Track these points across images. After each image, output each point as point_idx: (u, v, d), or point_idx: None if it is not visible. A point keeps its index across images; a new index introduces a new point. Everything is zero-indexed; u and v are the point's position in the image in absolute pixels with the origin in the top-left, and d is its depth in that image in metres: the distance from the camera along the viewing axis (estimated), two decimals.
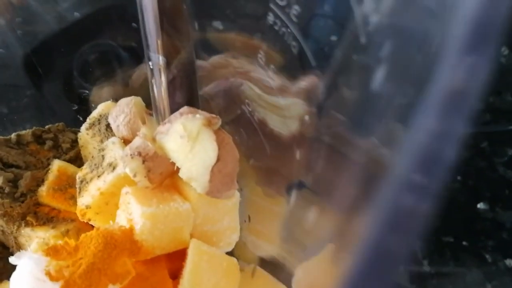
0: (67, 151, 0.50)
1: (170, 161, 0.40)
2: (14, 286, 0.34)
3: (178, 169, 0.40)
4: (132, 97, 0.45)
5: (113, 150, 0.43)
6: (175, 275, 0.42)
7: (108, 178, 0.41)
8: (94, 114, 0.49)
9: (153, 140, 0.41)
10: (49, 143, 0.50)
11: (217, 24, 0.36)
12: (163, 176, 0.41)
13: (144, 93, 0.46)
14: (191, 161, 0.39)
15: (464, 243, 0.45)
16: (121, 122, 0.44)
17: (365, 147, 0.23)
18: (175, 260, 0.42)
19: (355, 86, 0.22)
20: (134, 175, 0.39)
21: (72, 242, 0.37)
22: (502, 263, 0.45)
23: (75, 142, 0.51)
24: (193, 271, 0.39)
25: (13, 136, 0.49)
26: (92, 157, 0.44)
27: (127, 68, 0.50)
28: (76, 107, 0.53)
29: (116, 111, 0.44)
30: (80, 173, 0.43)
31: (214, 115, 0.39)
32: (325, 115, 0.26)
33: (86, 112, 0.54)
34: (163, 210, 0.38)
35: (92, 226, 0.45)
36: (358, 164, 0.25)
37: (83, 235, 0.38)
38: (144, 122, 0.43)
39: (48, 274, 0.35)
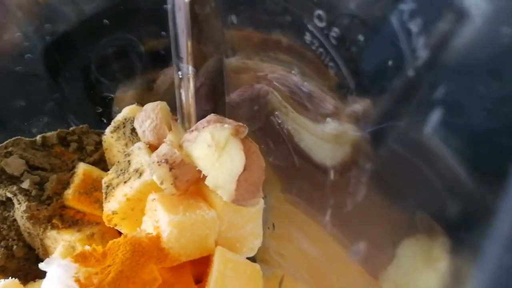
0: (91, 153, 0.50)
1: (197, 168, 0.40)
2: None
3: (204, 176, 0.40)
4: (158, 102, 0.45)
5: (139, 155, 0.43)
6: (198, 279, 0.43)
7: (134, 184, 0.41)
8: (119, 117, 0.49)
9: (180, 147, 0.41)
10: (73, 145, 0.50)
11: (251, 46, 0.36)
12: (189, 183, 0.41)
13: (169, 97, 0.46)
14: (217, 170, 0.39)
15: None
16: (147, 128, 0.44)
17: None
18: (198, 265, 0.43)
19: (412, 117, 0.22)
20: (161, 183, 0.40)
21: (100, 248, 0.37)
22: None
23: (99, 144, 0.51)
24: (219, 279, 0.39)
25: (38, 138, 0.50)
26: (118, 162, 0.44)
27: (152, 72, 0.50)
28: (100, 110, 0.53)
29: (142, 116, 0.45)
30: (106, 178, 0.44)
31: (241, 124, 0.39)
32: (378, 144, 0.26)
33: (109, 114, 0.54)
34: (189, 218, 0.39)
35: (117, 230, 0.46)
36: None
37: (110, 242, 0.38)
38: (170, 128, 0.43)
39: (77, 281, 0.35)
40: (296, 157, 0.36)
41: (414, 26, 0.20)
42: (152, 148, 0.44)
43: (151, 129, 0.44)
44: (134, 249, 0.37)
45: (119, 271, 0.36)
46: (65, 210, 0.46)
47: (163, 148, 0.41)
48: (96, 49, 0.52)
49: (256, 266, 0.42)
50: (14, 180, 0.46)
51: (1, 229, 0.46)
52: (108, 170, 0.50)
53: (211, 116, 0.41)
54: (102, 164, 0.50)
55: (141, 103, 0.49)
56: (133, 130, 0.47)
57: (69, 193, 0.46)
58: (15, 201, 0.45)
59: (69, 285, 0.35)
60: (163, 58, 0.49)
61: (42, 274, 0.46)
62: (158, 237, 0.39)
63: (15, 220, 0.46)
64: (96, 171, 0.48)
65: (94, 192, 0.46)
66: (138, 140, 0.46)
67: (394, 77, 0.22)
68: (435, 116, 0.20)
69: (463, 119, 0.19)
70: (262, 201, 0.43)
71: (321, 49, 0.27)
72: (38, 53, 0.50)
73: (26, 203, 0.44)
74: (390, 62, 0.22)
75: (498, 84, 0.18)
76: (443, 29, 0.20)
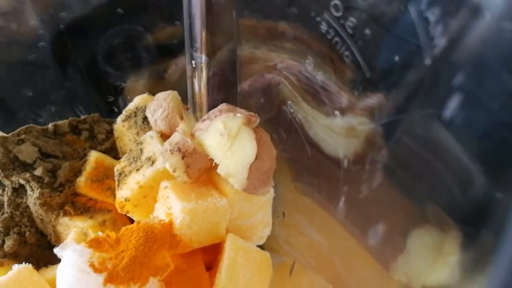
0: (102, 142, 0.51)
1: (209, 157, 0.41)
2: (60, 277, 0.35)
3: (215, 165, 0.40)
4: (170, 91, 0.45)
5: (151, 144, 0.43)
6: (209, 266, 0.43)
7: (147, 172, 0.41)
8: (131, 106, 0.50)
9: (192, 136, 0.42)
10: (85, 133, 0.51)
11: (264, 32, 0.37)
12: (201, 171, 0.41)
13: (180, 87, 0.47)
14: (229, 159, 0.39)
15: None
16: (159, 117, 0.44)
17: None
18: (209, 252, 0.43)
19: (426, 110, 0.22)
20: (174, 171, 0.40)
21: (113, 234, 0.38)
22: None
23: (110, 133, 0.52)
24: (230, 266, 0.39)
25: (50, 126, 0.50)
26: (130, 150, 0.45)
27: (163, 62, 0.51)
28: (112, 99, 0.54)
29: (154, 105, 0.45)
30: (118, 166, 0.44)
31: (253, 114, 0.40)
32: (392, 136, 0.27)
33: (120, 103, 0.55)
34: (201, 205, 0.39)
35: (127, 217, 0.46)
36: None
37: (123, 228, 0.39)
38: (181, 117, 0.44)
39: (92, 265, 0.36)
40: (308, 146, 0.37)
41: (432, 15, 0.20)
42: (164, 137, 0.45)
43: (163, 118, 0.44)
44: (147, 236, 0.38)
45: (133, 257, 0.37)
46: (77, 197, 0.47)
47: (176, 137, 0.41)
48: (107, 38, 0.52)
49: (266, 254, 0.43)
50: (26, 167, 0.46)
51: (14, 216, 0.46)
52: (119, 158, 0.50)
53: (223, 106, 0.41)
54: (113, 152, 0.51)
55: (153, 93, 0.49)
56: (145, 119, 0.47)
57: (81, 180, 0.46)
58: (28, 188, 0.46)
59: (84, 269, 0.36)
60: (174, 48, 0.50)
61: (54, 260, 0.47)
62: (170, 224, 0.39)
63: (27, 206, 0.46)
64: (107, 159, 0.48)
65: (106, 179, 0.47)
66: (150, 129, 0.47)
67: (411, 67, 0.22)
68: (451, 107, 0.20)
69: (479, 111, 0.20)
70: (272, 190, 0.43)
71: (337, 38, 0.27)
72: (50, 42, 0.51)
73: (39, 190, 0.45)
74: (406, 53, 0.22)
75: None
76: (461, 21, 0.21)
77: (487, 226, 0.23)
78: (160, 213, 0.41)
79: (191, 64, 0.39)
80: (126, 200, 0.42)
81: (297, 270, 0.44)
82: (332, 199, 0.35)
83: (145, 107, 0.47)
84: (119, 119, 0.50)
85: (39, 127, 0.49)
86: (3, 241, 0.46)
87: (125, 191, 0.42)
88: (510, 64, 0.20)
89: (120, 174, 0.43)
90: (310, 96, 0.35)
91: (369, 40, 0.25)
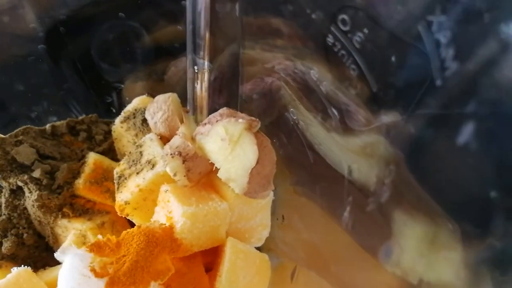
0: (100, 143, 0.51)
1: (209, 161, 0.41)
2: (61, 281, 0.35)
3: (216, 169, 0.41)
4: (170, 94, 0.45)
5: (151, 147, 0.43)
6: (208, 267, 0.44)
7: (147, 175, 0.41)
8: (129, 107, 0.49)
9: (192, 139, 0.42)
10: (83, 134, 0.51)
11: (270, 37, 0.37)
12: (201, 175, 0.42)
13: (179, 89, 0.47)
14: (230, 163, 0.40)
15: None
16: (158, 119, 0.44)
17: None
18: (208, 255, 0.43)
19: (439, 132, 0.23)
20: (174, 174, 0.40)
21: (114, 238, 0.38)
22: None
23: (108, 134, 0.51)
24: (231, 269, 0.40)
25: (47, 127, 0.50)
26: (130, 152, 0.45)
27: (162, 63, 0.51)
28: (110, 100, 0.53)
29: (154, 107, 0.45)
30: (118, 169, 0.44)
31: (254, 118, 0.40)
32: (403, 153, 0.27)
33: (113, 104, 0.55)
34: (202, 209, 0.39)
35: (126, 219, 0.46)
36: None
37: (124, 232, 0.39)
38: (181, 120, 0.44)
39: (93, 270, 0.36)
40: (310, 152, 0.37)
41: (443, 38, 0.20)
42: (163, 139, 0.45)
43: (163, 120, 0.44)
44: (148, 240, 0.38)
45: (134, 261, 0.37)
46: (76, 199, 0.47)
47: (176, 141, 0.41)
48: (104, 36, 0.52)
49: (265, 256, 0.43)
50: (24, 169, 0.46)
51: (12, 217, 0.46)
52: (118, 159, 0.50)
53: (224, 110, 0.41)
54: (111, 153, 0.50)
55: (151, 94, 0.49)
56: (144, 120, 0.47)
57: (79, 182, 0.46)
58: (26, 190, 0.45)
59: (85, 274, 0.36)
60: (174, 50, 0.49)
61: (52, 262, 0.47)
62: (171, 227, 0.39)
63: (25, 208, 0.46)
64: (106, 161, 0.48)
65: (104, 181, 0.47)
66: (149, 131, 0.47)
67: (421, 86, 0.22)
68: (466, 131, 0.20)
69: (494, 133, 0.20)
70: (271, 193, 0.43)
71: (343, 52, 0.27)
72: (46, 39, 0.50)
73: (37, 192, 0.45)
74: (416, 71, 0.23)
75: None
76: (473, 46, 0.21)
77: (491, 228, 0.24)
78: (160, 217, 0.41)
79: (193, 68, 0.39)
80: (126, 203, 0.42)
81: (298, 272, 0.44)
82: (336, 206, 0.35)
83: (144, 109, 0.47)
84: (118, 120, 0.49)
85: (36, 128, 0.49)
86: (1, 243, 0.45)
87: (125, 194, 0.42)
88: None
89: (119, 177, 0.43)
90: (312, 104, 0.35)
91: (377, 56, 0.25)
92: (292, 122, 0.38)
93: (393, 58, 0.24)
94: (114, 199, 0.45)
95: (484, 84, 0.20)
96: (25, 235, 0.46)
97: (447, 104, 0.21)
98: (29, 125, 0.49)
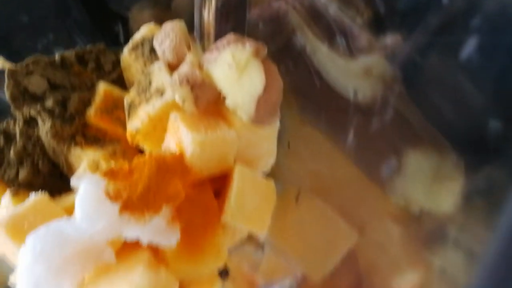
0: (109, 72, 0.51)
1: (217, 89, 0.41)
2: (78, 206, 0.37)
3: (223, 96, 0.41)
4: (177, 21, 0.45)
5: (160, 75, 0.43)
6: (217, 194, 0.45)
7: (156, 103, 0.42)
8: (137, 36, 0.49)
9: (200, 67, 0.42)
10: (91, 64, 0.51)
11: None
12: (209, 103, 0.42)
13: (186, 16, 0.46)
14: (238, 90, 0.40)
15: None
16: (166, 47, 0.44)
17: None
18: (217, 181, 0.45)
19: (443, 53, 0.23)
20: (183, 102, 0.41)
21: (126, 165, 0.39)
22: None
23: (116, 63, 0.51)
24: (239, 194, 0.41)
25: (57, 57, 0.50)
26: (139, 81, 0.45)
27: None
28: (117, 29, 0.53)
29: (162, 35, 0.45)
30: (128, 97, 0.45)
31: (261, 44, 0.40)
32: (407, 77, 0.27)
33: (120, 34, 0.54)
34: (211, 137, 0.40)
35: (136, 148, 0.47)
36: None
37: (135, 158, 0.40)
38: (189, 48, 0.44)
39: (107, 195, 0.37)
40: (317, 78, 0.37)
41: None
42: (171, 67, 0.45)
43: (171, 48, 0.44)
44: (159, 166, 0.39)
45: (147, 186, 0.38)
46: (87, 128, 0.47)
47: (184, 68, 0.41)
48: None
49: (271, 182, 0.45)
50: (36, 99, 0.47)
51: (27, 147, 0.47)
52: (127, 89, 0.51)
53: (231, 36, 0.41)
54: (120, 83, 0.51)
55: (158, 23, 0.49)
56: (152, 49, 0.47)
57: (91, 111, 0.47)
58: (39, 119, 0.46)
59: (101, 198, 0.37)
60: None
61: (67, 189, 0.48)
62: (181, 154, 0.40)
63: (39, 138, 0.47)
64: (116, 90, 0.49)
65: (115, 110, 0.47)
66: (157, 59, 0.47)
67: (428, 5, 0.22)
68: (468, 49, 0.20)
69: (496, 48, 0.20)
70: (278, 121, 0.44)
71: None
72: None
73: (50, 121, 0.45)
74: None
75: None
76: None
77: (490, 159, 0.24)
78: (170, 144, 0.42)
79: None
80: (137, 131, 0.43)
81: (302, 197, 0.46)
82: (341, 131, 0.35)
83: (152, 38, 0.47)
84: (126, 49, 0.49)
85: (46, 58, 0.49)
86: (17, 172, 0.47)
87: (135, 122, 0.43)
88: None
89: (130, 105, 0.44)
90: (319, 29, 0.35)
91: None
92: (299, 48, 0.38)
93: None
94: (125, 128, 0.46)
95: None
96: (40, 163, 0.47)
97: (451, 21, 0.21)
98: (38, 55, 0.49)
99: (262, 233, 0.42)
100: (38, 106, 0.46)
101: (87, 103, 0.48)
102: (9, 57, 0.51)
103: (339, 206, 0.41)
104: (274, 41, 0.41)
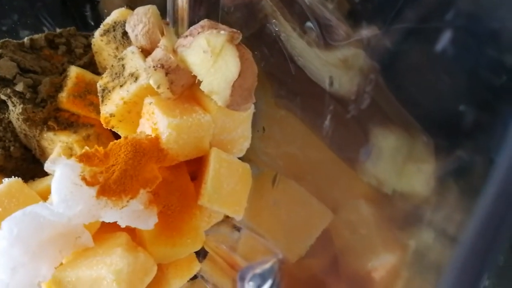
0: (80, 56, 0.50)
1: (192, 74, 0.41)
2: (54, 191, 0.37)
3: (198, 81, 0.41)
4: (149, 6, 0.45)
5: (133, 60, 0.43)
6: (193, 177, 0.46)
7: (131, 88, 0.42)
8: (108, 20, 0.49)
9: (174, 52, 0.42)
10: (62, 48, 0.50)
11: None
12: (184, 88, 0.42)
13: (158, 0, 0.46)
14: (213, 76, 0.40)
15: None
16: (139, 32, 0.44)
17: None
18: (193, 164, 0.45)
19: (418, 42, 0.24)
20: (158, 87, 0.41)
21: (101, 149, 0.39)
22: None
23: (87, 47, 0.51)
24: (215, 177, 0.42)
25: (26, 40, 0.49)
26: (112, 65, 0.45)
27: None
28: (88, 12, 0.52)
29: (134, 20, 0.44)
30: (101, 82, 0.44)
31: (236, 30, 0.40)
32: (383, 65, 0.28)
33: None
34: (186, 121, 0.41)
35: (111, 131, 0.47)
36: None
37: (111, 143, 0.40)
38: (162, 33, 0.44)
39: (84, 179, 0.37)
40: (292, 64, 0.38)
41: None
42: (145, 52, 0.45)
43: (144, 33, 0.44)
44: (135, 150, 0.39)
45: (123, 170, 0.38)
46: (60, 112, 0.47)
47: (158, 53, 0.42)
48: None
49: (247, 165, 0.46)
50: (6, 82, 0.46)
51: None
52: (99, 73, 0.50)
53: (205, 22, 0.42)
54: (92, 67, 0.50)
55: (130, 6, 0.48)
56: (124, 33, 0.47)
57: (63, 96, 0.46)
58: (9, 103, 0.46)
59: (77, 183, 0.37)
60: None
61: (40, 173, 0.48)
62: (157, 138, 0.41)
63: (10, 122, 0.47)
64: (88, 74, 0.48)
65: (87, 95, 0.47)
66: (129, 43, 0.47)
67: None
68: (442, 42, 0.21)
69: (470, 41, 0.21)
70: (252, 106, 0.45)
71: None
72: None
73: (21, 105, 0.45)
74: None
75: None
76: None
77: (462, 142, 0.25)
78: (145, 128, 0.42)
79: None
80: (111, 115, 0.43)
81: (278, 179, 0.47)
82: (316, 116, 0.36)
83: (124, 22, 0.47)
84: (97, 33, 0.49)
85: (15, 41, 0.48)
86: None
87: (109, 107, 0.43)
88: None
89: (103, 90, 0.44)
90: (293, 16, 0.35)
91: None
92: (274, 34, 0.39)
93: None
94: (98, 112, 0.46)
95: None
96: (11, 147, 0.47)
97: (425, 14, 0.22)
98: (7, 38, 0.48)
99: (238, 216, 0.43)
100: (9, 90, 0.45)
101: (58, 87, 0.47)
102: None
103: (313, 187, 0.43)
104: (248, 27, 0.42)
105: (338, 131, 0.35)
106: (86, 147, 0.40)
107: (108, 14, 0.50)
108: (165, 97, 0.42)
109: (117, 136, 0.46)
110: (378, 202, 0.34)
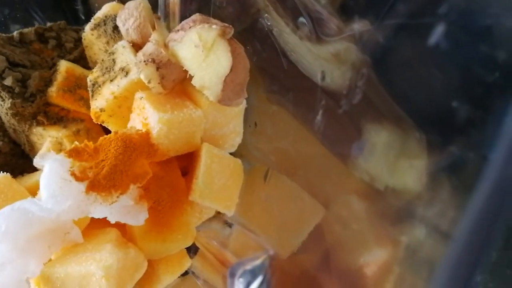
0: (71, 50, 0.50)
1: (183, 68, 0.41)
2: (43, 186, 0.36)
3: (190, 76, 0.41)
4: (140, 0, 0.44)
5: (124, 54, 0.43)
6: (184, 172, 0.45)
7: (121, 83, 0.42)
8: (99, 14, 0.48)
9: (165, 46, 0.42)
10: (52, 42, 0.49)
11: None
12: (175, 82, 0.42)
13: None
14: (204, 70, 0.40)
15: None
16: (130, 26, 0.44)
17: None
18: (184, 159, 0.45)
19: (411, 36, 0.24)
20: (149, 82, 0.41)
21: (91, 144, 0.39)
22: None
23: (78, 41, 0.50)
24: (206, 173, 0.41)
25: (15, 34, 0.48)
26: (102, 60, 0.44)
27: None
28: (78, 6, 0.52)
29: (125, 14, 0.44)
30: (91, 76, 0.44)
31: (227, 25, 0.40)
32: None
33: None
34: (177, 116, 0.40)
35: (101, 126, 0.47)
36: None
37: (101, 138, 0.40)
38: (153, 27, 0.43)
39: (73, 174, 0.37)
40: (284, 59, 0.38)
41: None
42: (136, 46, 0.44)
43: (135, 27, 0.44)
44: (125, 145, 0.39)
45: (113, 165, 0.38)
46: (49, 107, 0.47)
47: (149, 48, 0.41)
48: None
49: (238, 160, 0.45)
50: None
51: None
52: (89, 67, 0.50)
53: (197, 16, 0.41)
54: (82, 61, 0.50)
55: (121, 0, 0.48)
56: (115, 28, 0.46)
57: (52, 90, 0.46)
58: None
59: (66, 178, 0.37)
60: None
61: (29, 169, 0.48)
62: (147, 133, 0.40)
63: None
64: (78, 69, 0.48)
65: (77, 89, 0.46)
66: (120, 38, 0.46)
67: None
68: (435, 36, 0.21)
69: (462, 35, 0.21)
70: (244, 101, 0.44)
71: None
72: None
73: (10, 100, 0.44)
74: None
75: None
76: None
77: (454, 139, 0.25)
78: (136, 123, 0.42)
79: None
80: (101, 110, 0.42)
81: (270, 174, 0.47)
82: (308, 111, 0.36)
83: (115, 16, 0.46)
84: (88, 27, 0.48)
85: (4, 35, 0.48)
86: None
87: (100, 102, 0.42)
88: None
89: (93, 84, 0.43)
90: (285, 11, 0.35)
91: None
92: (266, 29, 0.38)
93: None
94: (88, 107, 0.45)
95: None
96: (0, 142, 0.46)
97: (418, 9, 0.22)
98: None
99: (230, 212, 0.43)
100: None
101: (48, 81, 0.47)
102: None
103: (306, 182, 0.42)
104: (240, 22, 0.42)
105: (330, 126, 0.35)
106: (76, 142, 0.39)
107: (99, 8, 0.49)
108: (156, 91, 0.41)
109: (107, 131, 0.45)
110: (370, 197, 0.34)
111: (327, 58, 0.32)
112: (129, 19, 0.44)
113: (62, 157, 0.38)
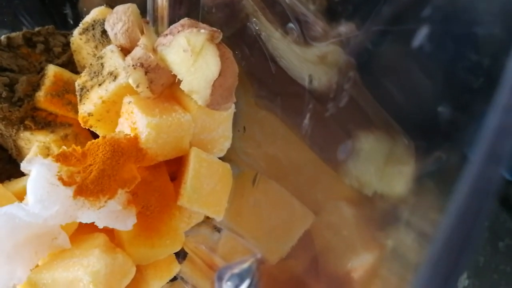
0: (59, 55, 0.50)
1: (171, 73, 0.41)
2: (30, 191, 0.36)
3: (178, 80, 0.41)
4: (129, 4, 0.44)
5: (113, 58, 0.43)
6: (173, 177, 0.45)
7: (110, 87, 0.41)
8: (87, 19, 0.48)
9: (154, 50, 0.42)
10: (40, 46, 0.49)
11: None
12: (163, 87, 0.42)
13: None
14: (193, 75, 0.40)
15: None
16: (119, 31, 0.44)
17: None
18: (173, 164, 0.45)
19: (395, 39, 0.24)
20: (137, 86, 0.41)
21: (79, 149, 0.39)
22: None
23: (66, 46, 0.50)
24: (195, 177, 0.41)
25: (3, 38, 0.48)
26: (91, 64, 0.44)
27: None
28: (67, 10, 0.52)
29: (113, 18, 0.44)
30: (79, 80, 0.44)
31: (216, 29, 0.40)
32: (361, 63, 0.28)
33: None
34: (166, 120, 0.40)
35: (89, 131, 0.47)
36: None
37: (89, 142, 0.40)
38: (142, 31, 0.43)
39: (60, 179, 0.37)
40: (272, 64, 0.38)
41: None
42: (124, 51, 0.44)
43: (123, 32, 0.44)
44: (113, 149, 0.39)
45: (101, 170, 0.38)
46: (37, 112, 0.46)
47: (138, 52, 0.41)
48: None
49: (227, 165, 0.45)
50: None
51: None
52: (78, 72, 0.50)
53: (185, 20, 0.41)
54: (71, 66, 0.50)
55: (110, 5, 0.48)
56: (103, 32, 0.46)
57: (40, 95, 0.46)
58: None
59: (53, 183, 0.37)
60: None
61: (16, 174, 0.47)
62: (136, 138, 0.40)
63: None
64: (66, 73, 0.48)
65: (65, 94, 0.46)
66: (109, 42, 0.46)
67: None
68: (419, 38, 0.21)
69: (446, 37, 0.21)
70: (233, 105, 0.45)
71: None
72: None
73: None
74: None
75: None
76: None
77: (440, 143, 0.26)
78: (124, 128, 0.42)
79: None
80: (90, 114, 0.42)
81: (259, 179, 0.47)
82: (296, 115, 0.36)
83: (103, 20, 0.46)
84: (76, 32, 0.48)
85: None
86: None
87: (88, 106, 0.42)
88: None
89: (82, 89, 0.43)
90: (274, 16, 0.35)
91: None
92: (254, 34, 0.39)
93: None
94: (76, 112, 0.45)
95: None
96: None
97: (403, 14, 0.22)
98: None
99: (219, 217, 0.43)
100: None
101: (36, 86, 0.46)
102: None
103: (294, 188, 0.43)
104: (228, 26, 0.42)
105: (318, 130, 0.35)
106: (64, 147, 0.39)
107: (88, 12, 0.49)
108: (144, 96, 0.41)
109: (95, 136, 0.45)
110: (359, 203, 0.34)
111: (314, 61, 0.32)
112: (117, 24, 0.44)
113: (50, 162, 0.37)
